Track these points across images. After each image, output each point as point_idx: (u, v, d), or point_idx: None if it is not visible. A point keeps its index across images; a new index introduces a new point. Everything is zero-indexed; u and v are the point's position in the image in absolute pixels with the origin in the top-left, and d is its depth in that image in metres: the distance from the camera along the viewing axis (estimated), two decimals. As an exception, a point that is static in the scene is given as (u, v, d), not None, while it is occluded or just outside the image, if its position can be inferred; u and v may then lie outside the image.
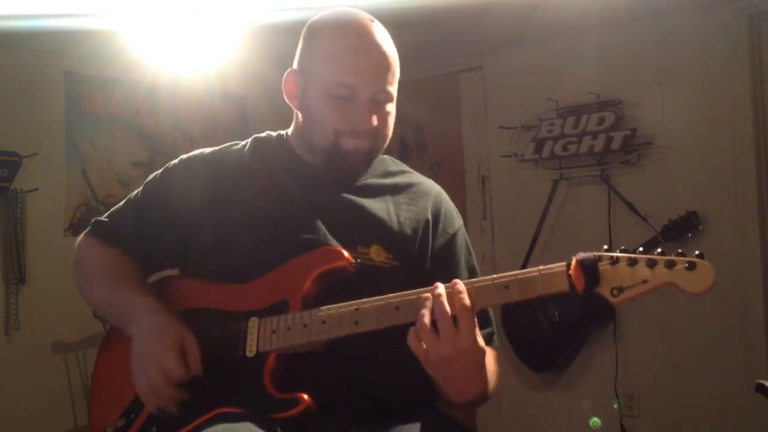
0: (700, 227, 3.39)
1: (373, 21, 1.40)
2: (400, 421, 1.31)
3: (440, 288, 1.18)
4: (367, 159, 1.41)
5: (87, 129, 3.90)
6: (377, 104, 1.37)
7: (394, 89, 1.39)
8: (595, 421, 3.61)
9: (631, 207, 3.58)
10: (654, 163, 3.61)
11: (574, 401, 3.79)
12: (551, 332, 3.57)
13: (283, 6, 2.87)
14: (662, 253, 1.10)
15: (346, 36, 1.37)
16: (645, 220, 3.51)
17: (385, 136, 1.41)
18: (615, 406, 3.60)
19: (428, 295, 1.18)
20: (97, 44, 3.47)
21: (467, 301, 1.15)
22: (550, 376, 3.86)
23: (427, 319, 1.15)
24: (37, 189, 3.63)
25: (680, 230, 3.40)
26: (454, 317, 1.15)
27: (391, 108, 1.40)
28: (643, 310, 3.50)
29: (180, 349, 1.28)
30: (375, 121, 1.35)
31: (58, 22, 3.02)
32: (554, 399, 3.86)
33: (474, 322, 1.16)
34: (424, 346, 1.15)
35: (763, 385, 1.99)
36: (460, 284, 1.17)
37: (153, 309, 1.35)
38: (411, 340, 1.17)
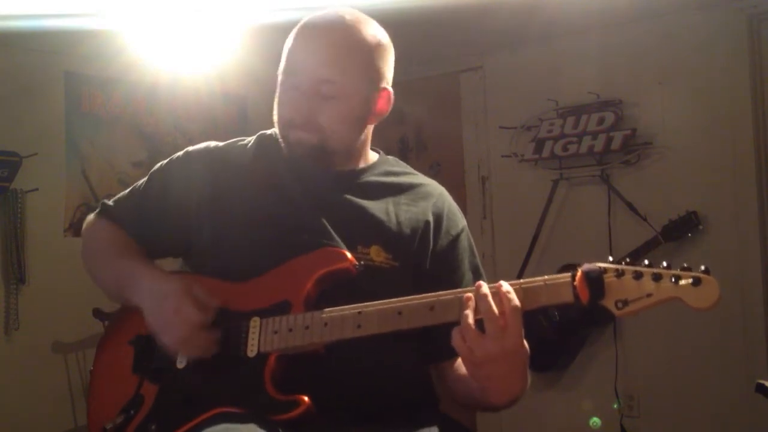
0: (700, 227, 3.38)
1: (339, 18, 1.38)
2: (400, 423, 1.31)
3: (485, 287, 1.16)
4: (317, 154, 1.38)
5: (87, 129, 3.90)
6: (314, 96, 1.34)
7: (336, 84, 1.34)
8: (595, 421, 3.61)
9: (631, 207, 3.58)
10: (654, 163, 3.61)
11: (574, 401, 3.79)
12: (551, 332, 3.57)
13: (283, 6, 2.87)
14: (668, 267, 1.10)
15: (297, 31, 1.39)
16: (645, 220, 3.50)
17: (333, 131, 1.36)
18: (615, 406, 3.60)
19: (470, 295, 1.17)
20: (97, 44, 3.48)
21: (516, 301, 1.14)
22: (550, 376, 3.86)
23: (471, 319, 1.14)
24: (37, 189, 3.63)
25: (680, 230, 3.40)
26: (501, 317, 1.13)
27: (338, 104, 1.35)
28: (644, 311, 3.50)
29: (191, 295, 1.29)
30: (296, 110, 1.35)
31: (58, 22, 3.02)
32: (554, 399, 3.86)
33: (521, 323, 1.14)
34: (469, 345, 1.14)
35: (763, 385, 1.99)
36: (506, 284, 1.16)
37: (155, 275, 1.38)
38: (455, 339, 1.15)
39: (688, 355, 3.47)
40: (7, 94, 3.57)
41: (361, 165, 1.47)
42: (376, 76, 1.40)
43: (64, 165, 3.81)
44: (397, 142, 4.51)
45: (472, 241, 1.50)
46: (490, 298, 1.15)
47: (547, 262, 3.74)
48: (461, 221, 1.49)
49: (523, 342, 1.16)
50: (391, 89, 1.43)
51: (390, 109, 1.45)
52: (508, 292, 1.15)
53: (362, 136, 1.43)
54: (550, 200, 3.83)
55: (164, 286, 1.33)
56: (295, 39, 1.38)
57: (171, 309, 1.28)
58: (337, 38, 1.36)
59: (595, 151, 3.66)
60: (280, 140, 1.41)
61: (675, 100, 3.54)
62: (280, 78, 1.40)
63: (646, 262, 1.12)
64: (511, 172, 4.07)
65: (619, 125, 3.62)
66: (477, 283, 1.18)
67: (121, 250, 1.47)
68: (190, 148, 1.52)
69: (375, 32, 1.40)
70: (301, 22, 1.40)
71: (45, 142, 3.69)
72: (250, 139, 1.52)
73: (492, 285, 1.18)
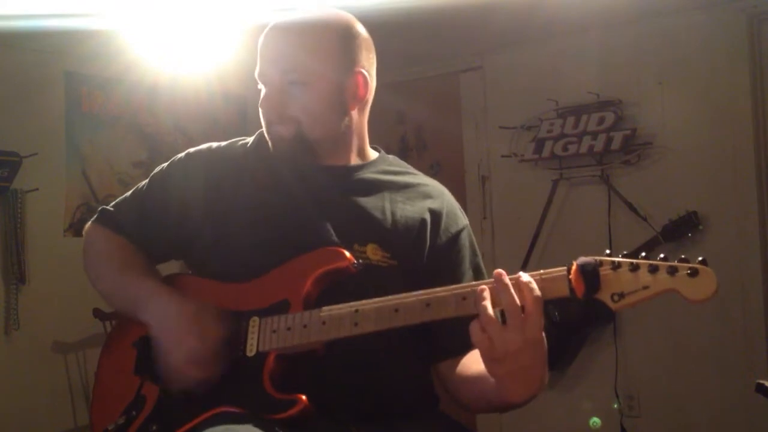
0: (700, 227, 3.39)
1: (300, 14, 1.40)
2: (400, 421, 1.31)
3: (506, 277, 1.14)
4: (298, 146, 1.39)
5: (87, 129, 3.90)
6: (282, 89, 1.37)
7: (300, 72, 1.36)
8: (595, 421, 3.61)
9: (631, 207, 3.58)
10: (654, 163, 3.61)
11: (574, 401, 3.79)
12: (551, 332, 3.56)
13: (283, 6, 2.87)
14: (665, 259, 1.08)
15: (261, 37, 1.42)
16: (645, 220, 3.51)
17: (308, 119, 1.37)
18: (615, 406, 3.60)
19: (484, 286, 1.15)
20: (97, 44, 3.47)
21: (537, 291, 1.12)
22: (550, 376, 3.84)
23: (490, 311, 1.12)
24: (37, 189, 3.63)
25: (680, 230, 3.40)
26: (522, 308, 1.11)
27: (307, 90, 1.36)
28: (643, 310, 3.50)
29: (211, 312, 1.30)
30: (270, 107, 1.38)
31: (58, 22, 3.02)
32: (554, 399, 3.86)
33: (542, 313, 1.12)
34: (490, 337, 1.11)
35: (763, 385, 1.99)
36: (525, 275, 1.14)
37: (165, 291, 1.37)
38: (474, 332, 1.12)
39: (688, 354, 3.47)
40: (7, 94, 3.57)
41: (358, 161, 1.47)
42: (346, 60, 1.39)
43: (64, 165, 3.81)
44: (398, 141, 4.51)
45: (473, 240, 1.49)
46: (512, 288, 1.12)
47: (547, 262, 3.71)
48: (462, 220, 1.48)
49: (542, 334, 1.13)
50: (366, 73, 1.41)
51: (369, 93, 1.44)
52: (530, 282, 1.12)
53: (345, 123, 1.42)
54: (550, 200, 3.83)
55: (180, 301, 1.32)
56: (260, 43, 1.41)
57: (185, 323, 1.27)
58: (296, 30, 1.39)
59: (595, 151, 3.66)
60: (268, 140, 1.42)
61: (675, 100, 3.54)
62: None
63: (643, 254, 1.11)
64: (511, 172, 4.07)
65: (619, 125, 3.62)
66: (496, 271, 1.15)
67: (126, 263, 1.45)
68: (191, 150, 1.52)
69: (341, 21, 1.42)
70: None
71: (45, 142, 3.69)
72: (251, 139, 1.52)
73: (512, 276, 1.15)
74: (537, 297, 1.12)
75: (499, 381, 1.17)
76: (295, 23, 1.40)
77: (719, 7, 3.41)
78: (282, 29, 1.40)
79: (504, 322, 1.11)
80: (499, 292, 1.13)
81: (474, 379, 1.28)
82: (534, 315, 1.11)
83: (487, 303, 1.12)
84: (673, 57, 3.56)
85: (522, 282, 1.13)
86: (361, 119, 1.46)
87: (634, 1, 3.35)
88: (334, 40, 1.38)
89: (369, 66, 1.44)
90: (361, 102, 1.43)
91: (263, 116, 1.41)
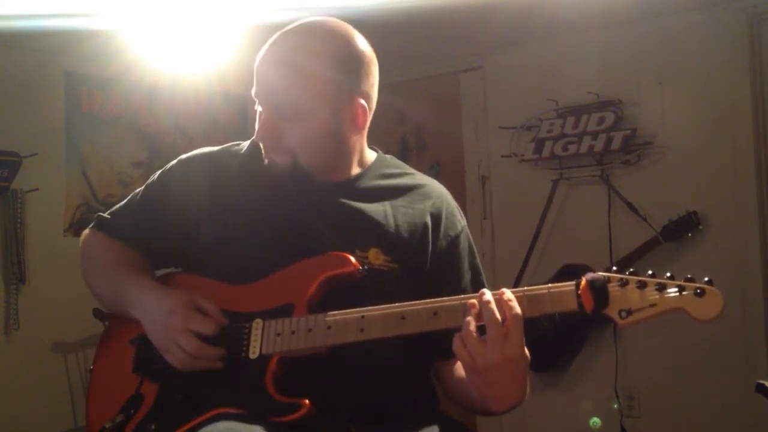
0: (700, 227, 3.39)
1: (294, 36, 1.36)
2: (401, 423, 1.31)
3: (488, 295, 1.16)
4: (294, 174, 1.37)
5: (87, 129, 3.90)
6: (276, 119, 1.35)
7: (293, 107, 1.33)
8: (595, 421, 3.61)
9: (631, 207, 3.58)
10: (654, 163, 3.61)
11: (574, 401, 3.79)
12: (551, 332, 3.57)
13: (283, 6, 2.87)
14: (671, 278, 1.11)
15: (260, 53, 1.39)
16: (645, 220, 3.51)
17: (304, 151, 1.34)
18: (615, 406, 3.60)
19: (474, 301, 1.17)
20: (97, 44, 3.47)
21: (518, 308, 1.14)
22: (550, 376, 3.86)
23: (472, 326, 1.14)
24: (37, 189, 3.63)
25: (680, 230, 3.40)
26: (502, 324, 1.14)
27: (300, 125, 1.33)
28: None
29: (196, 308, 1.30)
30: (264, 135, 1.35)
31: (58, 22, 3.02)
32: (554, 399, 3.86)
33: (522, 331, 1.14)
34: (470, 352, 1.14)
35: (763, 385, 1.99)
36: (508, 292, 1.16)
37: (152, 286, 1.38)
38: (456, 346, 1.15)
39: (688, 355, 3.47)
40: (7, 94, 3.57)
41: (357, 170, 1.45)
42: (343, 91, 1.34)
43: (64, 165, 3.81)
44: (398, 142, 4.51)
45: (471, 241, 1.49)
46: (493, 305, 1.15)
47: (547, 262, 3.74)
48: (460, 222, 1.48)
49: (524, 350, 1.15)
50: (365, 103, 1.36)
51: (368, 119, 1.40)
52: (510, 300, 1.15)
53: (344, 150, 1.40)
54: (550, 200, 3.83)
55: (168, 300, 1.32)
56: (256, 65, 1.38)
57: (179, 324, 1.27)
58: (290, 63, 1.33)
59: (595, 151, 3.66)
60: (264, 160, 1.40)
61: (675, 100, 3.55)
62: None
63: (650, 272, 1.13)
64: (511, 172, 4.07)
65: (619, 125, 3.62)
66: (480, 290, 1.18)
67: (118, 262, 1.46)
68: (182, 156, 1.52)
69: (339, 43, 1.34)
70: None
71: (45, 142, 3.69)
72: (244, 144, 1.52)
73: (495, 292, 1.17)
74: (516, 315, 1.14)
75: (479, 391, 1.21)
76: (289, 52, 1.34)
77: (719, 7, 3.41)
78: (276, 59, 1.35)
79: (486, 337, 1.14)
80: (481, 308, 1.16)
81: (464, 383, 1.29)
82: (513, 332, 1.13)
83: (471, 318, 1.15)
84: (673, 57, 3.56)
85: (503, 300, 1.16)
86: (359, 138, 1.43)
87: (634, 1, 3.36)
88: (330, 72, 1.32)
89: (369, 87, 1.38)
90: (359, 130, 1.40)
91: (258, 138, 1.39)
